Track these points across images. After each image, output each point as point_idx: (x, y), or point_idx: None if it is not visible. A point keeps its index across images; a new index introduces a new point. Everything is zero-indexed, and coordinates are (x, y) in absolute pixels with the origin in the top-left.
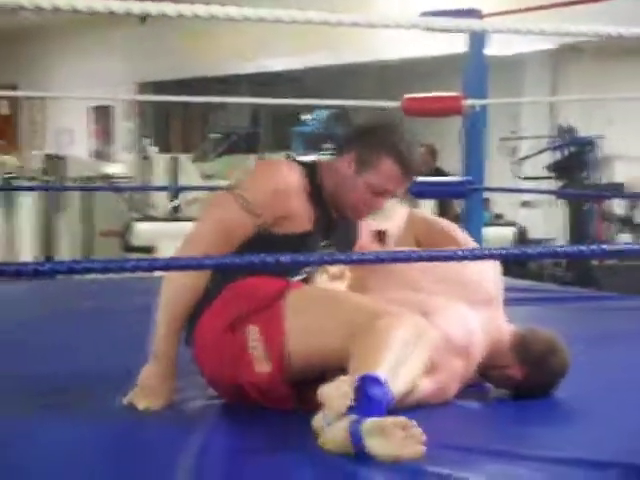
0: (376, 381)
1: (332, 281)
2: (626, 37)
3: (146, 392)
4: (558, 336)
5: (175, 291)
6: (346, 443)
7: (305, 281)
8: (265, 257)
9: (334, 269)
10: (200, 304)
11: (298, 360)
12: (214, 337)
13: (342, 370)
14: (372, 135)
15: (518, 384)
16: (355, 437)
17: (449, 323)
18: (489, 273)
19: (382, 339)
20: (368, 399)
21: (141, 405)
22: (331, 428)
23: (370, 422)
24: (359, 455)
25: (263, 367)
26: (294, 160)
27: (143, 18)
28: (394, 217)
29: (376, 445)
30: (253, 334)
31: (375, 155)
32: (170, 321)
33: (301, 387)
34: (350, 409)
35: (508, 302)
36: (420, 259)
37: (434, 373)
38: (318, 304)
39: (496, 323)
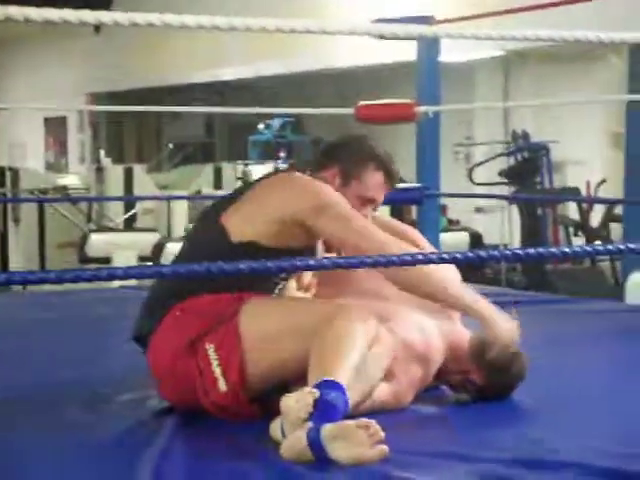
0: (334, 387)
1: (299, 291)
2: (575, 42)
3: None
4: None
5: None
6: (305, 451)
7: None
8: (223, 266)
9: (306, 280)
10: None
11: (258, 373)
12: (171, 358)
13: (305, 377)
14: (351, 148)
15: (477, 388)
16: (315, 444)
17: (407, 329)
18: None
19: (341, 343)
20: (325, 405)
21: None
22: (289, 437)
23: (330, 426)
24: (321, 461)
25: (222, 385)
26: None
27: (97, 29)
28: None
29: (338, 448)
30: (211, 352)
31: (358, 166)
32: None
33: (264, 399)
34: (307, 419)
35: None
36: (381, 264)
37: (391, 379)
38: (273, 314)
39: (454, 330)
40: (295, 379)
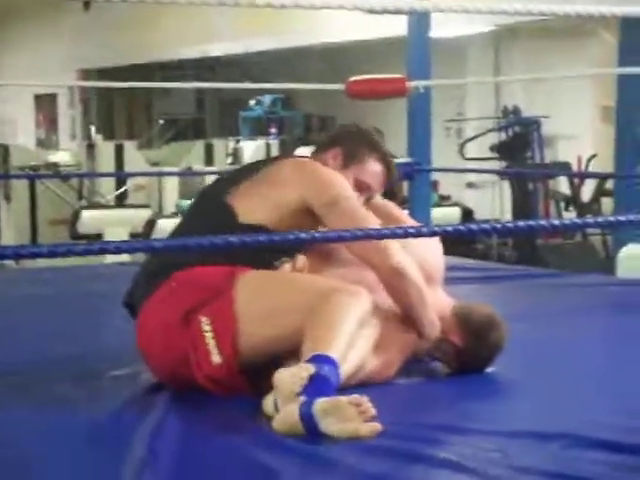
0: (327, 361)
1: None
2: (566, 17)
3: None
4: (497, 310)
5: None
6: (297, 425)
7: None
8: (214, 240)
9: (299, 263)
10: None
11: (252, 347)
12: (164, 330)
13: (298, 352)
14: (358, 135)
15: (457, 354)
16: (307, 418)
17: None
18: (431, 254)
19: (335, 318)
20: (319, 379)
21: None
22: (282, 411)
23: (323, 401)
24: (312, 435)
25: (216, 358)
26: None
27: (87, 5)
28: None
29: (330, 423)
30: (205, 325)
31: (362, 150)
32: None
33: (256, 374)
34: (300, 393)
35: (455, 280)
36: (369, 237)
37: (378, 350)
38: (269, 288)
39: (436, 297)
40: (288, 354)
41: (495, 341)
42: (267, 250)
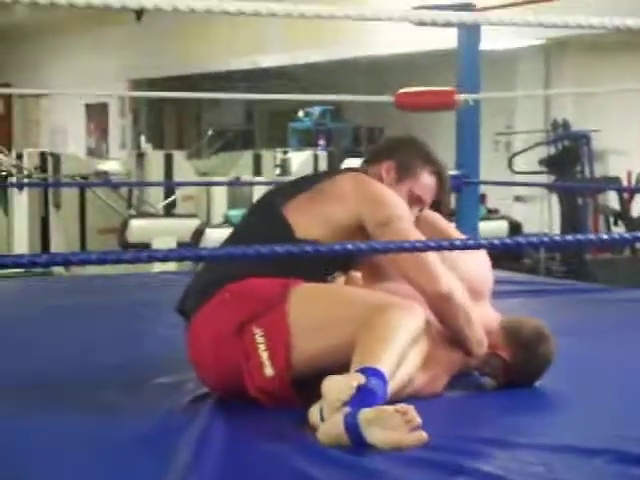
0: (376, 374)
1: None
2: (617, 31)
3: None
4: (545, 324)
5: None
6: (342, 435)
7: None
8: (260, 249)
9: (354, 277)
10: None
11: (305, 360)
12: (216, 341)
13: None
14: (411, 146)
15: (506, 369)
16: (352, 428)
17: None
18: (479, 268)
19: (388, 333)
20: (365, 391)
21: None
22: (327, 422)
23: (367, 411)
24: (358, 446)
25: (268, 371)
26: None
27: (138, 16)
28: None
29: (375, 433)
30: (258, 337)
31: (417, 163)
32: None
33: (306, 387)
34: (346, 402)
35: (503, 294)
36: (426, 249)
37: (427, 365)
38: (322, 301)
39: (483, 311)
40: (341, 367)
41: (544, 355)
42: (320, 264)
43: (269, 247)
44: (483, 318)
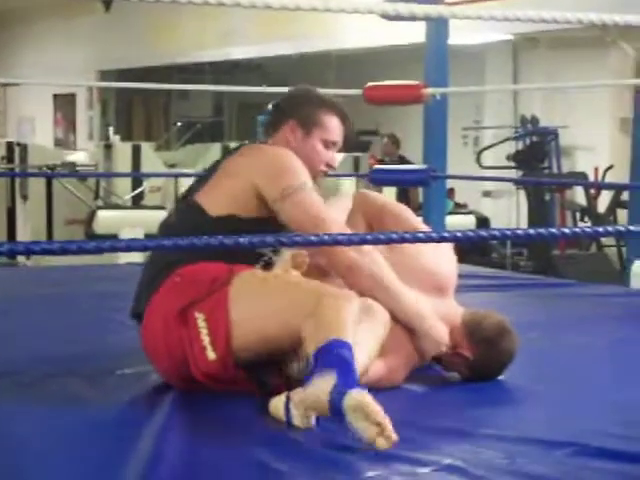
0: (344, 345)
1: (292, 268)
2: (584, 28)
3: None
4: (507, 319)
5: (379, 265)
6: (324, 405)
7: (265, 268)
8: (223, 240)
9: (300, 257)
10: (155, 279)
11: (246, 345)
12: (165, 328)
13: (294, 351)
14: (301, 99)
15: (468, 365)
16: (335, 405)
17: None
18: (444, 264)
19: (334, 318)
20: (342, 361)
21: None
22: (314, 387)
23: (354, 397)
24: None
25: (211, 355)
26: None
27: (107, 6)
28: (338, 204)
29: (356, 422)
30: (200, 322)
31: (314, 113)
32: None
33: (257, 371)
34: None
35: (469, 288)
36: (377, 242)
37: (386, 356)
38: (264, 288)
39: (447, 308)
40: (283, 353)
41: (506, 350)
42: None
43: (233, 238)
44: (446, 315)
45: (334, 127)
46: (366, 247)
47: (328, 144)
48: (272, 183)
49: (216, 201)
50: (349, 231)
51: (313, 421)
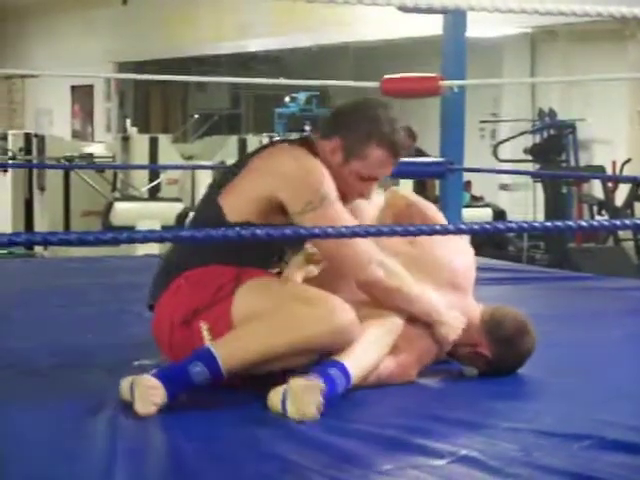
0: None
1: (308, 264)
2: (603, 20)
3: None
4: (526, 315)
5: (394, 275)
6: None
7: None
8: (241, 232)
9: (315, 256)
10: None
11: (244, 359)
12: (170, 328)
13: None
14: (356, 122)
15: (487, 361)
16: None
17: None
18: (460, 258)
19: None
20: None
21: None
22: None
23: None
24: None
25: None
26: (295, 143)
27: None
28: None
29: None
30: (204, 331)
31: (361, 144)
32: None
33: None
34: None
35: (485, 281)
36: (402, 233)
37: (397, 353)
38: (266, 301)
39: (464, 304)
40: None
41: (524, 350)
42: (270, 247)
43: (249, 230)
44: (463, 312)
45: (377, 163)
46: (381, 257)
47: (365, 178)
48: (295, 196)
49: (235, 205)
50: (373, 246)
51: (313, 412)
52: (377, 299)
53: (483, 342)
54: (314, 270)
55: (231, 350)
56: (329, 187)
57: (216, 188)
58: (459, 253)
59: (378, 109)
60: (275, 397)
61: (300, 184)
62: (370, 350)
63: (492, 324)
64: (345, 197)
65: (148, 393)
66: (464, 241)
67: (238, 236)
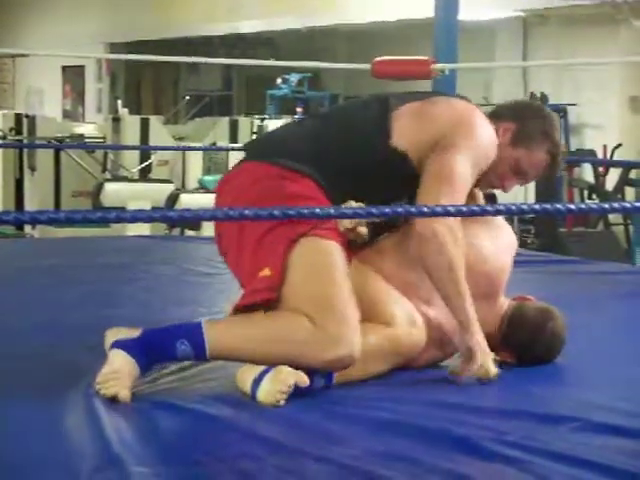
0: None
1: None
2: (595, 5)
3: (491, 356)
4: (549, 311)
5: (457, 257)
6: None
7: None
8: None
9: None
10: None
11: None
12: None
13: None
14: (538, 117)
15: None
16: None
17: (447, 317)
18: (506, 266)
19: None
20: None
21: (494, 371)
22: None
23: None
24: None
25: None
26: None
27: None
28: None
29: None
30: (263, 272)
31: (535, 138)
32: (464, 284)
33: None
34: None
35: None
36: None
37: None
38: (307, 284)
39: (487, 312)
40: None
41: (543, 353)
42: (396, 187)
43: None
44: (483, 320)
45: (538, 163)
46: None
47: (519, 170)
48: (452, 133)
49: (404, 131)
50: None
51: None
52: (422, 260)
53: (501, 348)
54: (363, 230)
55: (222, 343)
56: (484, 155)
57: (393, 102)
58: (508, 263)
59: (555, 120)
60: (249, 374)
61: (467, 130)
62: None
63: (508, 332)
64: (483, 181)
65: (112, 379)
66: (505, 231)
67: (255, 215)
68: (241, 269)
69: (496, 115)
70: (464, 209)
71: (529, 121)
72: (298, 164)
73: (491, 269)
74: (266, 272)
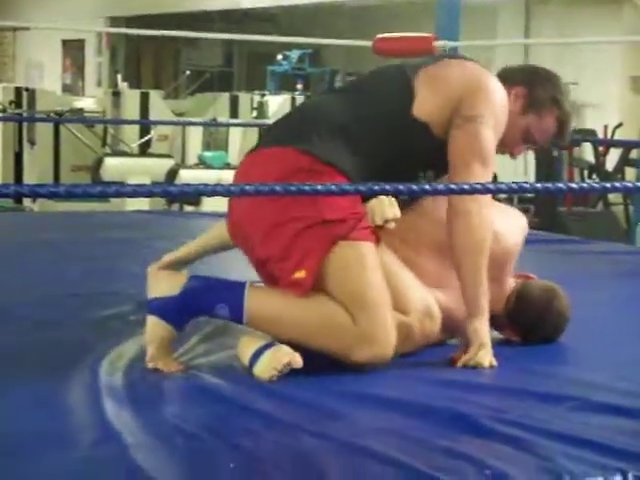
0: None
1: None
2: None
3: (488, 349)
4: (553, 290)
5: (486, 240)
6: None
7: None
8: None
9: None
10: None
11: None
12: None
13: None
14: (549, 82)
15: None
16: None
17: (457, 303)
18: (517, 248)
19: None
20: None
21: (488, 362)
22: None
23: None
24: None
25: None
26: None
27: None
28: None
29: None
30: (296, 274)
31: (546, 104)
32: (483, 273)
33: None
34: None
35: None
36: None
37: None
38: (344, 283)
39: (493, 293)
40: None
41: (551, 331)
42: (419, 160)
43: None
44: (497, 300)
45: (547, 129)
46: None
47: (528, 135)
48: (472, 103)
49: (426, 99)
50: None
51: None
52: (451, 234)
53: (507, 327)
54: (394, 211)
55: (260, 315)
56: (494, 113)
57: (410, 70)
58: (509, 234)
59: (565, 86)
60: (249, 346)
61: (480, 97)
62: None
63: (514, 312)
64: (502, 147)
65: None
66: (515, 213)
67: (285, 190)
68: (267, 256)
69: (505, 78)
70: (466, 187)
71: (540, 86)
72: (328, 152)
73: (503, 249)
74: (302, 274)
